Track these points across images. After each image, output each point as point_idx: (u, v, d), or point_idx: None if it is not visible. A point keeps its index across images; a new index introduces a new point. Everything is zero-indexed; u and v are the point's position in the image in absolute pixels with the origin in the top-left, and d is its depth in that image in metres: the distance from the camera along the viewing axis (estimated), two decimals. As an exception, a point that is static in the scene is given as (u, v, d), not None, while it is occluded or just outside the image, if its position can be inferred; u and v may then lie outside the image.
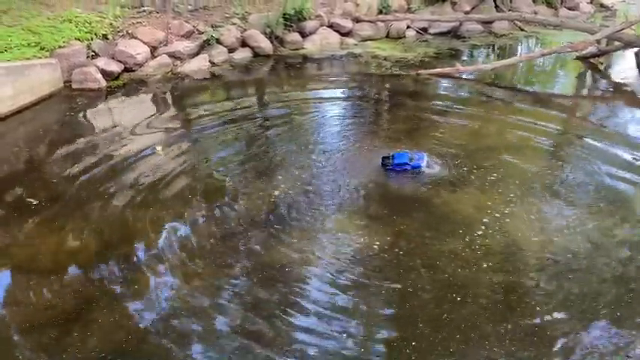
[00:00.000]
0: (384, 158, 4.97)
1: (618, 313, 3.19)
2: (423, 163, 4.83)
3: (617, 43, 9.03)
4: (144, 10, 8.90)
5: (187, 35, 8.67)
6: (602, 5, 14.61)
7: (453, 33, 11.24)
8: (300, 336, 3.02)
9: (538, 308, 3.23)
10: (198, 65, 8.28)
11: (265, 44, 9.18)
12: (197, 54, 8.48)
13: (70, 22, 7.70)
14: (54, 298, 3.28)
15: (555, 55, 9.32)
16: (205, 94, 7.52)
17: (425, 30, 11.15)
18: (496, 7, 12.26)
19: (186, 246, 3.82)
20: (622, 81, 8.48)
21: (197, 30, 8.83)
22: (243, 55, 8.99)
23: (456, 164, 5.03)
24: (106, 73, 7.37)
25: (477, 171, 4.91)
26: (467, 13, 11.85)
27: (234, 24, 9.25)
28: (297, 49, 9.59)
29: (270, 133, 5.96)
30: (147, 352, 2.91)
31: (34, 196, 4.45)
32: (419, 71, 8.30)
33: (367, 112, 6.90)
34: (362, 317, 3.18)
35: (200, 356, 2.90)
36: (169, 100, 7.11)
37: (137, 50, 7.85)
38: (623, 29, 8.51)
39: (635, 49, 8.80)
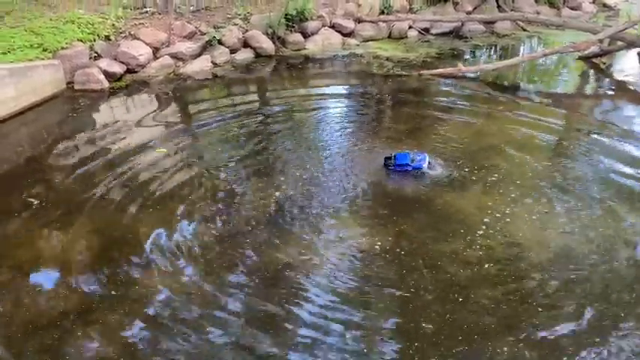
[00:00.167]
0: (386, 159, 4.97)
1: (622, 314, 3.18)
2: (424, 164, 4.83)
3: (619, 43, 9.02)
4: (146, 11, 8.93)
5: (189, 36, 8.68)
6: (604, 5, 14.58)
7: (455, 33, 11.23)
8: (303, 336, 3.02)
9: (540, 309, 3.22)
10: (200, 66, 8.29)
11: (267, 45, 9.19)
12: (199, 55, 8.50)
13: (73, 24, 7.73)
14: (56, 299, 3.29)
15: (558, 55, 9.30)
16: (207, 94, 7.53)
17: (427, 30, 11.14)
18: (498, 7, 12.25)
19: (188, 246, 3.82)
20: (624, 80, 8.46)
21: (199, 31, 8.85)
22: (245, 55, 9.00)
23: (457, 164, 5.03)
24: (108, 74, 7.38)
25: (479, 171, 4.90)
26: (469, 13, 11.84)
27: (236, 25, 9.27)
28: (299, 50, 9.59)
29: (272, 134, 5.96)
30: (149, 352, 2.91)
31: (36, 196, 4.46)
32: (421, 71, 8.29)
33: (369, 112, 6.90)
34: (364, 317, 3.17)
35: (202, 355, 2.90)
36: (172, 101, 7.12)
37: (139, 51, 7.87)
38: (625, 29, 8.49)
39: (638, 49, 8.78)
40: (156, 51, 8.21)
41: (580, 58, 9.24)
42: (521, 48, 10.72)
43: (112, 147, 5.44)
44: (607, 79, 8.77)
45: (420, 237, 3.94)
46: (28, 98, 6.42)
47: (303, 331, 3.06)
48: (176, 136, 5.83)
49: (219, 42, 8.75)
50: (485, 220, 4.12)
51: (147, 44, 8.09)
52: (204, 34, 8.74)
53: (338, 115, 6.67)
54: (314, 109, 6.86)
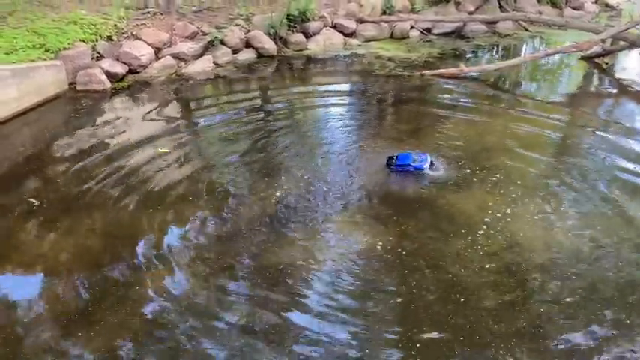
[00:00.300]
0: (389, 158, 4.97)
1: (624, 315, 3.17)
2: (426, 165, 4.82)
3: (622, 43, 8.99)
4: (148, 12, 8.94)
5: (191, 36, 8.69)
6: (607, 5, 14.55)
7: (457, 33, 11.21)
8: (304, 337, 3.02)
9: (542, 310, 3.22)
10: (202, 66, 8.30)
11: (269, 45, 9.19)
12: (201, 55, 8.50)
13: (75, 24, 7.74)
14: (55, 299, 3.30)
15: (560, 55, 9.29)
16: (209, 95, 7.53)
17: (429, 30, 11.13)
18: (500, 7, 12.22)
19: (190, 246, 3.83)
20: (627, 80, 8.44)
21: (201, 31, 8.86)
22: (247, 56, 9.00)
23: (459, 165, 5.02)
24: (110, 75, 7.40)
25: (481, 171, 4.89)
26: (471, 13, 11.82)
27: (237, 25, 9.27)
28: (300, 50, 9.59)
29: (274, 134, 5.96)
30: (151, 352, 2.91)
31: (39, 196, 4.47)
32: (423, 72, 8.28)
33: (371, 112, 6.89)
34: (366, 318, 3.17)
35: (204, 357, 2.90)
36: (174, 102, 7.12)
37: (141, 52, 7.88)
38: (628, 29, 8.47)
39: (641, 49, 8.77)
40: (158, 51, 8.22)
41: (582, 58, 9.22)
42: (523, 48, 10.70)
43: (113, 147, 5.45)
44: (609, 79, 8.75)
45: (421, 237, 3.94)
46: (31, 99, 6.43)
47: (304, 332, 3.06)
48: (178, 136, 5.83)
49: (221, 42, 8.75)
50: (488, 220, 4.12)
51: (149, 45, 8.10)
52: (206, 34, 8.75)
53: (340, 115, 6.67)
54: (316, 110, 6.87)
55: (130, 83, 7.55)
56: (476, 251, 3.75)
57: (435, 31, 11.18)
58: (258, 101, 7.34)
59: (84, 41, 7.52)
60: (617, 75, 8.89)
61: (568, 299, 3.31)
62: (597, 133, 5.98)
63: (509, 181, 4.71)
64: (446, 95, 7.47)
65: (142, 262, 3.65)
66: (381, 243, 3.84)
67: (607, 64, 9.11)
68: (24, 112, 6.28)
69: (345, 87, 8.00)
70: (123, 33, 8.20)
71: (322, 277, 3.50)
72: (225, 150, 5.50)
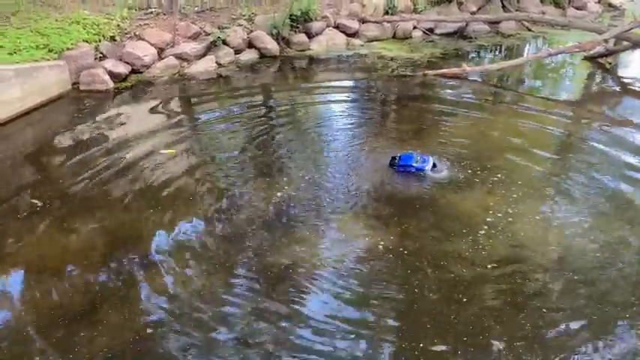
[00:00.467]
0: (392, 158, 4.97)
1: (627, 315, 3.17)
2: (427, 167, 4.82)
3: (625, 43, 8.98)
4: (151, 12, 8.96)
5: (194, 37, 8.71)
6: (610, 5, 14.54)
7: (460, 33, 11.21)
8: (307, 337, 3.02)
9: (544, 310, 3.21)
10: (204, 66, 8.32)
11: (272, 45, 9.20)
12: (204, 55, 8.52)
13: (78, 24, 7.76)
14: (60, 299, 3.31)
15: (563, 55, 9.27)
16: (212, 95, 7.54)
17: (431, 30, 11.14)
18: (503, 7, 12.22)
19: (192, 246, 3.83)
20: (630, 80, 8.42)
21: (204, 31, 8.87)
22: (249, 56, 9.01)
23: (461, 165, 5.02)
24: (113, 75, 7.41)
25: (483, 171, 4.89)
26: (473, 13, 11.82)
27: (240, 25, 9.28)
28: (303, 50, 9.60)
29: (276, 134, 5.97)
30: (153, 351, 2.92)
31: (42, 196, 4.48)
32: (425, 72, 8.29)
33: (373, 112, 6.90)
34: (368, 318, 3.17)
35: (207, 356, 2.90)
36: (176, 102, 7.14)
37: (144, 52, 7.89)
38: (631, 29, 8.46)
39: (644, 49, 8.75)
40: (161, 51, 8.23)
41: (585, 58, 9.21)
42: (526, 48, 10.69)
43: (116, 147, 5.46)
44: (613, 80, 8.74)
45: (423, 237, 3.94)
46: (34, 99, 6.45)
47: (306, 332, 3.06)
48: (180, 135, 5.84)
49: (224, 42, 8.77)
50: (490, 220, 4.12)
51: (152, 45, 8.12)
52: (209, 34, 8.76)
53: (342, 115, 6.67)
54: (318, 110, 6.87)
55: (132, 83, 7.56)
56: (478, 251, 3.75)
57: (438, 31, 11.18)
58: (261, 101, 7.34)
59: (87, 41, 7.54)
60: (621, 75, 8.87)
61: (570, 300, 3.31)
62: (600, 133, 5.97)
63: (512, 181, 4.71)
64: (448, 95, 7.47)
65: (144, 262, 3.66)
66: (382, 243, 3.84)
67: (610, 64, 9.10)
68: (27, 113, 6.30)
69: (348, 87, 8.01)
70: (126, 33, 8.22)
71: (324, 277, 3.50)
72: (227, 149, 5.51)
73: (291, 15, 9.49)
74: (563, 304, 3.27)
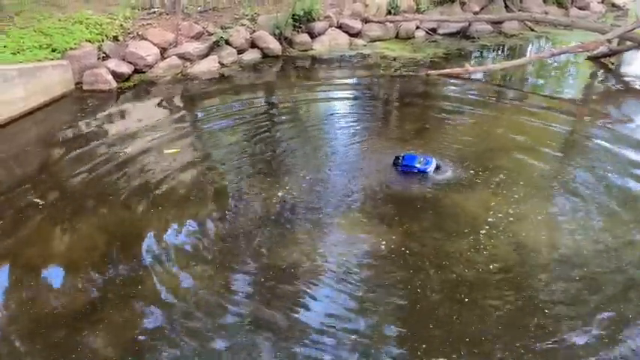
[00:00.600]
0: (395, 158, 4.97)
1: (630, 316, 3.16)
2: (429, 168, 4.81)
3: (628, 43, 8.95)
4: (154, 12, 8.98)
5: (197, 36, 8.72)
6: (613, 5, 14.50)
7: (462, 33, 11.21)
8: (309, 337, 3.02)
9: (547, 311, 3.20)
10: (207, 66, 8.33)
11: (274, 45, 9.21)
12: (206, 55, 8.53)
13: (81, 24, 7.78)
14: (62, 298, 3.31)
15: (566, 55, 9.25)
16: (214, 94, 7.54)
17: (434, 30, 11.13)
18: (506, 7, 12.21)
19: (194, 246, 3.84)
20: (634, 80, 8.40)
21: (207, 31, 8.88)
22: (252, 56, 9.02)
23: (464, 165, 5.01)
24: (116, 75, 7.43)
25: (485, 171, 4.88)
26: (476, 13, 11.81)
27: (243, 25, 9.29)
28: (306, 50, 9.61)
29: (279, 133, 5.98)
30: (155, 351, 2.93)
31: (45, 196, 4.49)
32: (428, 72, 8.28)
33: (376, 112, 6.90)
34: (371, 319, 3.17)
35: (209, 355, 2.91)
36: (179, 101, 7.15)
37: (147, 52, 7.91)
38: (634, 29, 8.44)
39: (647, 49, 8.72)
40: (163, 51, 8.25)
41: (589, 58, 9.19)
42: (529, 48, 10.67)
43: (118, 147, 5.47)
44: (616, 80, 8.71)
45: (425, 237, 3.93)
46: (37, 98, 6.47)
47: (308, 332, 3.06)
48: (183, 135, 5.85)
49: (227, 42, 8.78)
50: (492, 220, 4.11)
51: (154, 45, 8.13)
52: (212, 34, 8.77)
53: (345, 115, 6.67)
54: (320, 110, 6.87)
55: (135, 83, 7.58)
56: (480, 251, 3.74)
57: (441, 31, 11.17)
58: (263, 101, 7.35)
59: (90, 41, 7.56)
60: (624, 75, 8.84)
61: (573, 300, 3.30)
62: (604, 131, 5.95)
63: (514, 181, 4.70)
64: (451, 95, 7.46)
65: (146, 261, 3.66)
66: (384, 243, 3.84)
67: (613, 64, 9.07)
68: (31, 112, 6.32)
69: (350, 87, 8.00)
70: (129, 33, 8.23)
71: (326, 277, 3.50)
72: (230, 149, 5.51)
73: (293, 15, 9.50)
74: (566, 305, 3.26)
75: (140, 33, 8.29)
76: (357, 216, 4.23)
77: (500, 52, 10.31)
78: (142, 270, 3.58)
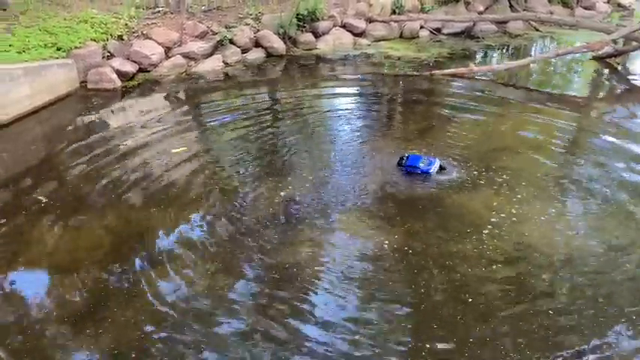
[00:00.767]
0: (400, 158, 4.97)
1: (634, 317, 3.14)
2: (432, 169, 4.80)
3: (634, 43, 8.91)
4: (158, 11, 9.00)
5: (201, 36, 8.73)
6: (619, 5, 14.44)
7: (467, 33, 11.18)
8: (312, 337, 3.02)
9: (551, 312, 3.19)
10: (211, 66, 8.34)
11: (278, 44, 9.21)
12: (211, 54, 8.55)
13: (86, 23, 7.81)
14: (66, 296, 3.33)
15: (571, 55, 9.22)
16: (218, 94, 7.56)
17: (438, 30, 11.11)
18: (510, 7, 12.17)
19: (198, 245, 3.84)
20: (639, 81, 8.36)
21: (211, 30, 8.90)
22: (256, 55, 9.03)
23: (468, 165, 5.00)
24: (121, 74, 7.45)
25: (489, 172, 4.87)
26: (481, 13, 11.78)
27: (247, 24, 9.30)
28: (310, 50, 9.61)
29: (282, 132, 5.98)
30: (159, 349, 2.93)
31: (48, 194, 4.51)
32: (432, 71, 8.27)
33: (380, 112, 6.89)
34: (374, 319, 3.17)
35: (212, 354, 2.92)
36: (183, 100, 7.17)
37: (152, 51, 7.93)
38: (640, 29, 8.40)
39: (653, 49, 8.68)
40: (168, 50, 8.27)
41: (594, 58, 9.15)
42: (534, 48, 10.64)
43: (123, 145, 5.49)
44: (621, 80, 8.68)
45: (429, 237, 3.93)
46: (43, 97, 6.50)
47: (311, 332, 3.06)
48: (186, 135, 5.86)
49: (231, 42, 8.79)
50: (495, 220, 4.10)
51: (159, 44, 8.15)
52: (216, 33, 8.79)
53: (348, 114, 6.66)
54: (324, 109, 6.87)
55: (140, 82, 7.60)
56: (484, 252, 3.74)
57: (445, 31, 11.15)
58: (267, 100, 7.35)
59: (95, 40, 7.59)
60: (629, 75, 8.80)
61: (576, 300, 3.29)
62: (608, 133, 5.92)
63: (518, 182, 4.69)
64: (455, 95, 7.44)
65: (150, 261, 3.67)
66: (387, 242, 3.84)
67: (619, 64, 9.04)
68: (36, 111, 6.34)
69: (354, 86, 8.00)
70: (133, 32, 8.26)
71: (329, 276, 3.50)
72: (233, 149, 5.52)
73: (297, 14, 9.50)
74: (569, 305, 3.25)
75: (145, 32, 8.31)
76: (361, 215, 4.23)
77: (504, 52, 10.28)
78: (145, 269, 3.58)
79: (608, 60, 9.06)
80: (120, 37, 8.00)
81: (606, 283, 3.44)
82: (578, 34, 10.86)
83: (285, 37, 9.38)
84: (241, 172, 4.97)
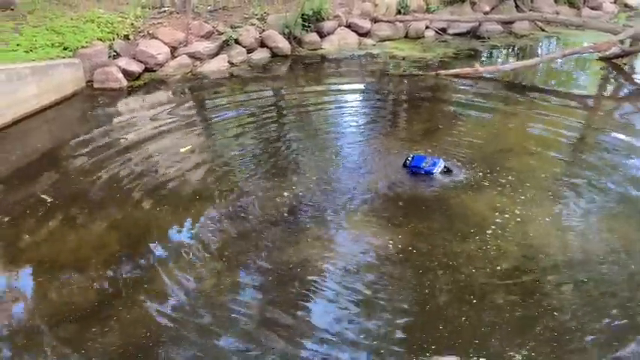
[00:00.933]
0: (406, 159, 4.96)
1: (638, 319, 3.13)
2: (435, 170, 4.79)
3: (641, 44, 8.87)
4: (164, 11, 9.03)
5: (207, 36, 8.75)
6: (626, 5, 14.35)
7: (473, 33, 11.15)
8: (317, 336, 3.03)
9: (556, 314, 3.18)
10: (217, 65, 8.36)
11: (283, 44, 9.22)
12: (216, 54, 8.57)
13: (93, 23, 7.85)
14: (72, 295, 3.34)
15: (577, 55, 9.18)
16: (224, 94, 7.58)
17: (444, 30, 11.08)
18: (516, 7, 12.13)
19: (202, 244, 3.85)
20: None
21: (216, 30, 8.92)
22: (261, 55, 9.05)
23: (473, 166, 4.99)
24: (127, 73, 7.48)
25: (494, 172, 4.85)
26: (486, 13, 11.74)
27: (252, 24, 9.32)
28: (315, 50, 9.61)
29: (286, 132, 5.99)
30: (165, 348, 2.95)
31: (54, 193, 4.53)
32: (438, 72, 8.25)
33: (385, 112, 6.89)
34: (378, 319, 3.17)
35: (218, 352, 2.93)
36: (189, 100, 7.19)
37: (158, 50, 7.96)
38: (647, 29, 8.35)
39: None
40: (174, 50, 8.29)
41: (600, 58, 9.11)
42: (540, 48, 10.60)
43: (128, 145, 5.51)
44: (628, 80, 8.63)
45: (434, 237, 3.92)
46: (49, 96, 6.54)
47: (315, 332, 3.07)
48: (192, 134, 5.88)
49: (236, 42, 8.81)
50: (501, 221, 4.09)
51: (165, 43, 8.18)
52: (222, 33, 8.81)
53: (354, 115, 6.67)
54: (329, 109, 6.87)
55: (146, 82, 7.63)
56: (488, 252, 3.73)
57: (450, 31, 11.13)
58: (272, 100, 7.36)
59: (101, 40, 7.62)
60: (636, 76, 8.76)
61: (581, 302, 3.28)
62: (614, 133, 5.90)
63: (523, 183, 4.67)
64: (460, 95, 7.43)
65: (155, 259, 3.69)
66: (392, 242, 3.84)
67: (625, 64, 8.99)
68: (43, 110, 6.38)
69: (359, 86, 8.00)
70: (139, 32, 8.29)
71: (333, 276, 3.51)
72: (238, 148, 5.53)
73: (303, 14, 9.51)
74: (574, 307, 3.24)
75: (151, 32, 8.35)
76: (366, 216, 4.23)
77: (510, 53, 10.25)
78: (150, 268, 3.60)
79: (614, 60, 9.02)
80: (126, 37, 8.03)
81: (611, 284, 3.43)
82: (584, 35, 10.81)
83: (290, 37, 9.39)
84: (245, 172, 4.98)
